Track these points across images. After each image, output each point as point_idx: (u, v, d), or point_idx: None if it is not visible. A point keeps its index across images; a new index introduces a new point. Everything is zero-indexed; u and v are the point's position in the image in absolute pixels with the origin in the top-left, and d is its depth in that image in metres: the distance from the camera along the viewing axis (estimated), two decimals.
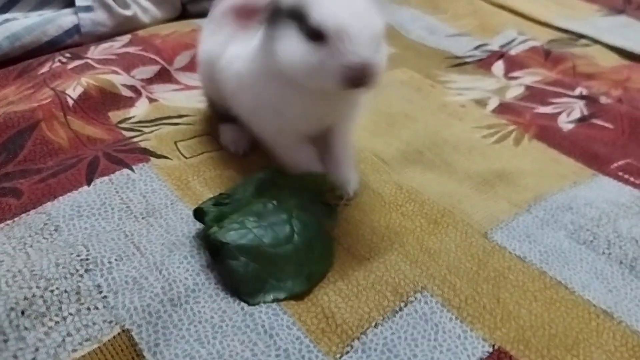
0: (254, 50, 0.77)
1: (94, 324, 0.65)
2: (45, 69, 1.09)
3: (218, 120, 0.97)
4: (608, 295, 0.73)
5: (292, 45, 0.69)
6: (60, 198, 0.81)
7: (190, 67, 1.17)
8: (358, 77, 0.67)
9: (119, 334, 0.64)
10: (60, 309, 0.66)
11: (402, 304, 0.70)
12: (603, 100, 1.15)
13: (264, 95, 0.78)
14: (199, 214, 0.76)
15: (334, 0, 0.67)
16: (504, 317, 0.69)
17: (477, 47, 1.35)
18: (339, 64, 0.66)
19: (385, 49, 0.71)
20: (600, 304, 0.71)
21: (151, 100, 1.06)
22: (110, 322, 0.65)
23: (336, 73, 0.67)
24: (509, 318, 0.69)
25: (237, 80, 0.81)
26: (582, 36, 1.42)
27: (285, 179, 0.82)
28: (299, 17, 0.68)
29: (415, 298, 0.71)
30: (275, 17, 0.71)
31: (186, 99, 1.09)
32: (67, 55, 1.13)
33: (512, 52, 1.33)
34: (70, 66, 1.09)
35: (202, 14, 1.36)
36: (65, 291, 0.68)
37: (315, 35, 0.67)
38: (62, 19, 1.22)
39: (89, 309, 0.66)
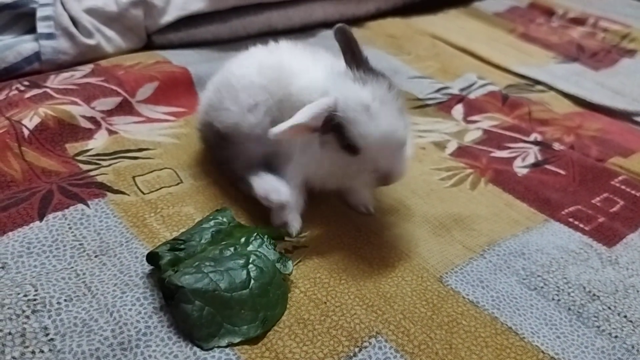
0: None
1: None
2: (1, 97, 1.07)
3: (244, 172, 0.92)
4: (556, 342, 0.74)
5: (332, 157, 0.82)
6: (10, 234, 0.79)
7: (153, 99, 1.16)
8: (383, 182, 0.83)
9: None
10: (2, 352, 0.63)
11: (357, 349, 0.70)
12: (556, 146, 1.20)
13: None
14: (153, 258, 0.75)
15: (369, 120, 0.78)
16: None
17: (438, 90, 1.38)
18: (369, 174, 0.81)
19: (409, 148, 0.86)
20: (549, 350, 0.73)
21: (111, 132, 1.05)
22: None
23: (367, 179, 0.83)
24: None
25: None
26: (538, 82, 1.47)
27: (241, 228, 0.82)
28: (339, 131, 0.79)
29: (370, 343, 0.71)
30: (325, 128, 0.81)
31: (147, 132, 1.08)
32: (26, 83, 1.11)
33: (472, 95, 1.37)
34: (27, 95, 1.06)
35: (168, 46, 1.38)
36: (10, 333, 0.65)
37: (352, 149, 0.80)
38: (22, 46, 1.20)
39: (33, 352, 0.64)
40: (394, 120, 0.80)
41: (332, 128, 0.80)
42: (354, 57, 0.84)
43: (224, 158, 0.94)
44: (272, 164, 0.91)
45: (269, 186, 0.87)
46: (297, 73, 0.88)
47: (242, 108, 0.90)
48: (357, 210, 0.94)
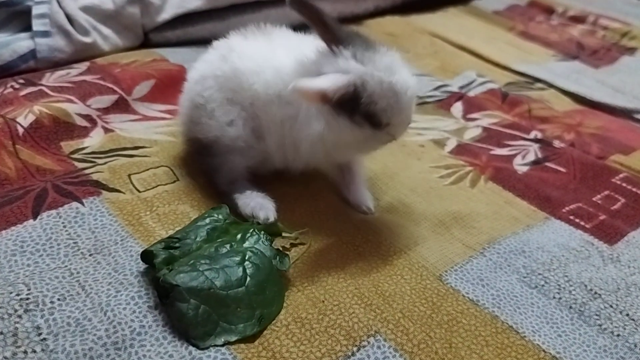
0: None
1: None
2: None
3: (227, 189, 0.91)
4: (557, 340, 0.73)
5: (350, 131, 0.81)
6: (3, 232, 0.78)
7: (150, 97, 1.15)
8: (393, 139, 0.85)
9: None
10: None
11: (355, 349, 0.69)
12: (556, 144, 1.19)
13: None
14: (147, 256, 0.74)
15: (394, 102, 0.79)
16: None
17: (437, 88, 1.37)
18: (391, 138, 0.84)
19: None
20: (550, 349, 0.72)
21: (107, 130, 1.04)
22: None
23: (386, 142, 0.85)
24: None
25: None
26: (538, 80, 1.46)
27: (238, 225, 0.81)
28: (365, 115, 0.79)
29: (368, 342, 0.70)
30: (343, 108, 0.79)
31: (144, 130, 1.07)
32: (21, 81, 1.10)
33: (471, 93, 1.36)
34: (22, 93, 1.05)
35: (165, 44, 1.37)
36: (1, 333, 0.64)
37: (375, 123, 0.80)
38: (18, 44, 1.19)
39: (25, 352, 0.63)
40: (411, 83, 0.81)
41: (348, 105, 0.78)
42: (327, 31, 0.81)
43: (208, 169, 0.92)
44: (255, 177, 0.91)
45: (255, 204, 0.87)
46: (256, 71, 0.86)
47: (220, 123, 0.88)
48: (357, 210, 0.93)
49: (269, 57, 0.87)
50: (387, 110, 0.79)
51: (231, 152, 0.89)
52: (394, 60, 0.81)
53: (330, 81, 0.76)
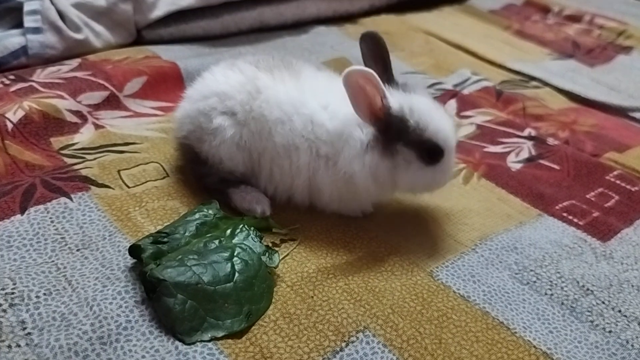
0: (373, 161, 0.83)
1: None
2: None
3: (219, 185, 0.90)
4: (549, 337, 0.73)
5: (415, 174, 0.82)
6: None
7: (141, 94, 1.14)
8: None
9: None
10: None
11: (344, 344, 0.69)
12: (550, 141, 1.18)
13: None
14: (135, 251, 0.73)
15: (446, 125, 0.82)
16: (445, 358, 0.68)
17: (431, 85, 1.36)
18: (449, 176, 0.86)
19: None
20: (541, 345, 0.71)
21: (97, 126, 1.04)
22: None
23: (444, 182, 0.86)
24: None
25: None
26: (533, 78, 1.46)
27: (227, 220, 0.80)
28: (419, 144, 0.80)
29: (357, 338, 0.70)
30: (392, 136, 0.81)
31: (135, 126, 1.06)
32: (11, 77, 1.09)
33: (465, 91, 1.35)
34: (12, 89, 1.05)
35: (158, 41, 1.36)
36: None
37: (433, 158, 0.81)
38: (9, 40, 1.18)
39: (9, 346, 0.62)
40: (450, 117, 0.86)
41: (408, 142, 0.80)
42: (386, 69, 0.84)
43: (201, 174, 0.91)
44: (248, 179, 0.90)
45: (251, 198, 0.87)
46: (283, 120, 0.84)
47: (222, 155, 0.86)
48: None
49: (298, 104, 0.85)
50: (439, 134, 0.80)
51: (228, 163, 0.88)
52: (433, 101, 0.85)
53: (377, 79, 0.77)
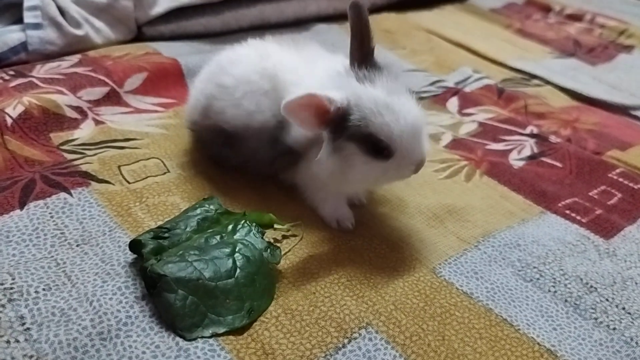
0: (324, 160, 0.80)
1: (13, 358, 0.60)
2: None
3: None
4: (552, 334, 0.72)
5: (361, 168, 0.78)
6: None
7: (142, 90, 1.14)
8: (416, 170, 0.79)
9: None
10: None
11: (346, 341, 0.68)
12: (552, 139, 1.17)
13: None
14: (136, 246, 0.72)
15: (395, 119, 0.75)
16: (448, 355, 0.68)
17: (433, 83, 1.36)
18: (405, 172, 0.79)
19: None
20: (545, 342, 0.71)
21: (97, 122, 1.03)
22: (31, 356, 0.60)
23: (402, 177, 0.80)
24: (453, 356, 0.67)
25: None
26: (534, 77, 1.45)
27: (229, 215, 0.80)
28: (362, 139, 0.76)
29: (360, 334, 0.69)
30: (339, 132, 0.77)
31: (135, 122, 1.05)
32: (11, 72, 1.08)
33: (467, 89, 1.35)
34: (12, 84, 1.04)
35: (158, 38, 1.36)
36: None
37: (379, 153, 0.76)
38: (9, 36, 1.17)
39: (8, 342, 0.61)
40: (415, 108, 0.78)
41: (350, 136, 0.76)
42: (361, 46, 0.79)
43: (233, 160, 0.90)
44: (282, 170, 0.90)
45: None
46: (291, 85, 0.84)
47: (247, 112, 0.86)
48: (349, 203, 0.92)
49: (306, 76, 0.84)
50: (383, 130, 0.75)
51: (260, 139, 0.86)
52: (399, 87, 0.78)
53: (314, 88, 0.75)
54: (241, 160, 0.90)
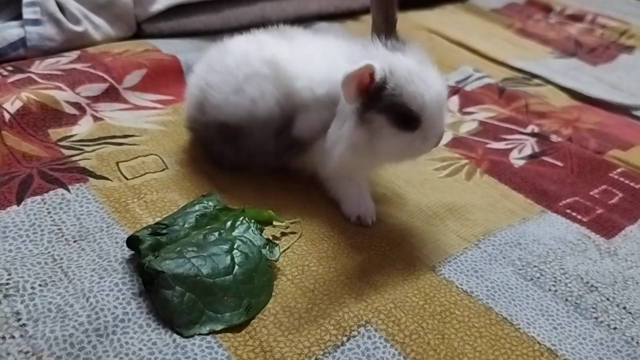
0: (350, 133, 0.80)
1: (8, 354, 0.60)
2: None
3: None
4: (553, 333, 0.72)
5: (389, 141, 0.78)
6: None
7: (141, 86, 1.13)
8: (435, 145, 0.80)
9: None
10: None
11: (345, 339, 0.67)
12: (554, 138, 1.17)
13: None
14: (133, 242, 0.72)
15: (427, 89, 0.75)
16: (448, 353, 0.67)
17: None
18: (429, 144, 0.79)
19: None
20: (545, 341, 0.70)
21: (96, 118, 1.02)
22: (27, 352, 0.60)
23: (425, 150, 0.81)
24: (453, 355, 0.67)
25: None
26: (535, 76, 1.45)
27: (227, 212, 0.79)
28: (393, 110, 0.76)
29: (359, 332, 0.68)
30: (371, 104, 0.77)
31: (134, 119, 1.05)
32: (9, 68, 1.08)
33: (468, 88, 1.34)
34: (10, 80, 1.03)
35: (158, 35, 1.35)
36: None
37: (407, 124, 0.76)
38: (7, 31, 1.17)
39: (3, 337, 0.61)
40: (441, 79, 0.79)
41: (382, 108, 0.76)
42: (387, 18, 0.79)
43: (235, 158, 0.90)
44: (287, 162, 0.89)
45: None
46: (295, 72, 0.84)
47: (250, 99, 0.84)
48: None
49: (308, 63, 0.85)
50: (416, 99, 0.75)
51: (265, 130, 0.85)
52: (425, 57, 0.79)
53: (376, 65, 0.74)
54: (244, 156, 0.89)
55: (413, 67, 0.76)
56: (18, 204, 0.79)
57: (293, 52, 0.87)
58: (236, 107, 0.85)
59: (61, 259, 0.72)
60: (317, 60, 0.85)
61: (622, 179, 1.05)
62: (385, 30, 0.79)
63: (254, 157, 0.89)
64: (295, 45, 0.89)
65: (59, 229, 0.77)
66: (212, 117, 0.88)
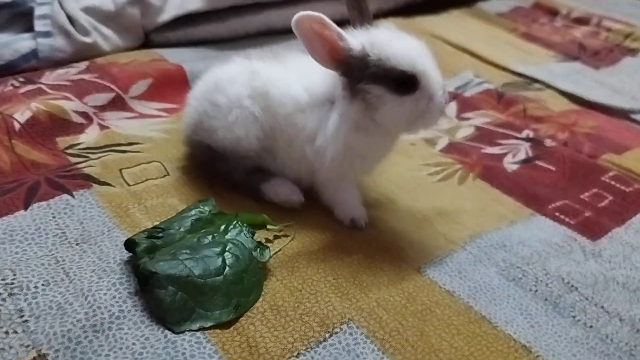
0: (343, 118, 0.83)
1: (11, 347, 0.64)
2: None
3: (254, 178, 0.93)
4: (529, 331, 0.74)
5: (391, 109, 0.79)
6: None
7: (147, 95, 1.18)
8: (445, 102, 0.81)
9: (34, 358, 0.63)
10: None
11: (327, 335, 0.71)
12: (548, 143, 1.19)
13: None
14: (130, 244, 0.76)
15: (410, 47, 0.79)
16: (425, 349, 0.70)
17: None
18: (438, 101, 0.79)
19: None
20: (521, 339, 0.73)
21: (102, 127, 1.07)
22: (27, 346, 0.64)
23: (437, 114, 0.81)
24: (430, 351, 0.70)
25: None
26: (536, 80, 1.46)
27: (222, 216, 0.83)
28: (385, 76, 0.77)
29: (341, 329, 0.72)
30: (359, 76, 0.79)
31: (139, 127, 1.10)
32: (21, 79, 1.14)
33: (467, 93, 1.37)
34: (22, 90, 1.09)
35: (166, 45, 1.40)
36: None
37: (405, 86, 0.78)
38: (20, 43, 1.23)
39: (7, 332, 0.66)
40: (417, 40, 0.82)
41: (373, 78, 0.78)
42: (361, 13, 0.87)
43: (226, 171, 0.94)
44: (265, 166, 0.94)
45: (286, 189, 0.91)
46: (284, 93, 0.88)
47: (237, 137, 0.89)
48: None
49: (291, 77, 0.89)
50: (404, 58, 0.77)
51: (246, 155, 0.91)
52: (399, 32, 0.82)
53: (330, 22, 0.77)
54: (228, 172, 0.94)
55: (390, 34, 0.80)
56: (25, 209, 0.84)
57: (286, 77, 0.90)
58: (223, 140, 0.90)
59: (63, 260, 0.77)
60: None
61: (613, 183, 1.07)
62: (361, 21, 0.85)
63: (234, 175, 0.94)
64: (289, 67, 0.92)
65: (62, 233, 0.81)
66: (201, 139, 0.93)
